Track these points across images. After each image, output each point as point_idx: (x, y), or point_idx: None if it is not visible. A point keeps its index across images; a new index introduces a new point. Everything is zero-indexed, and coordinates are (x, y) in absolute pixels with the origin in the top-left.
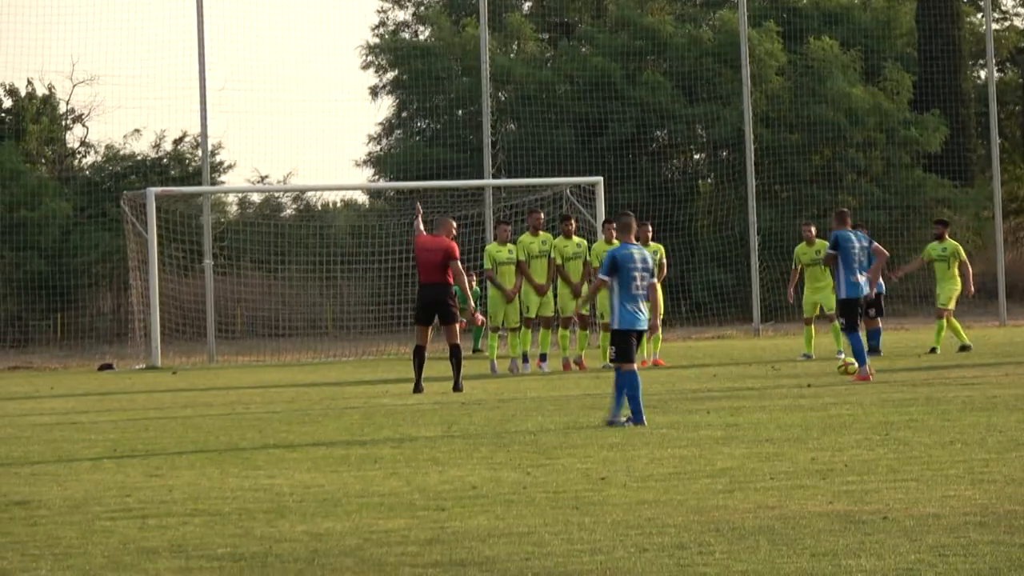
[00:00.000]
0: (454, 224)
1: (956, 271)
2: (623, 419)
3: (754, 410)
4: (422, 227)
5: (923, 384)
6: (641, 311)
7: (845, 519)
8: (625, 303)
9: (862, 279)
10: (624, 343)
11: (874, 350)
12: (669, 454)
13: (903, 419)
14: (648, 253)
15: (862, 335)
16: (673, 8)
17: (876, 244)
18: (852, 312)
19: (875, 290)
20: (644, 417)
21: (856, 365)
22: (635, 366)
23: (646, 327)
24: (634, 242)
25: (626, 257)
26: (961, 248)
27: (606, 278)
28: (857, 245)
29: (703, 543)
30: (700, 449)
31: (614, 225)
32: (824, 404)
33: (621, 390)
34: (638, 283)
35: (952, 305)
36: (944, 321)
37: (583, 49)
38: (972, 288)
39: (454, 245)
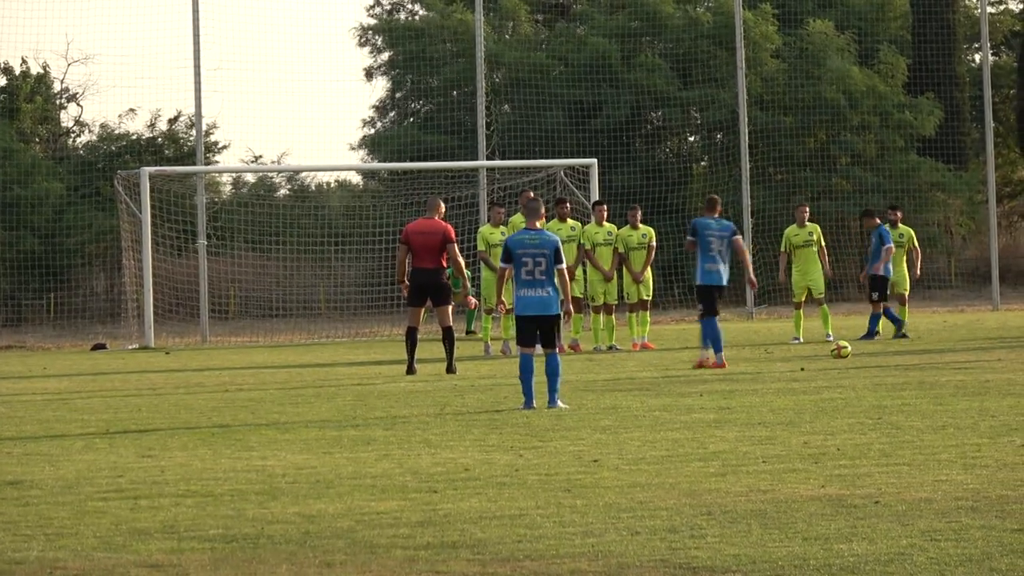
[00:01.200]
0: (442, 203)
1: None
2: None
3: (747, 393)
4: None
5: (915, 368)
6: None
7: (837, 503)
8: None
9: (720, 267)
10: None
11: (872, 334)
12: (662, 437)
13: (896, 403)
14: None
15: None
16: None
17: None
18: (707, 298)
19: (881, 273)
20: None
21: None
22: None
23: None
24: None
25: (518, 243)
26: (914, 234)
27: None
28: (716, 233)
29: (695, 526)
30: (692, 432)
31: (604, 207)
32: (817, 388)
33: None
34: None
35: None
36: (905, 307)
37: (579, 30)
38: (918, 273)
39: (450, 228)
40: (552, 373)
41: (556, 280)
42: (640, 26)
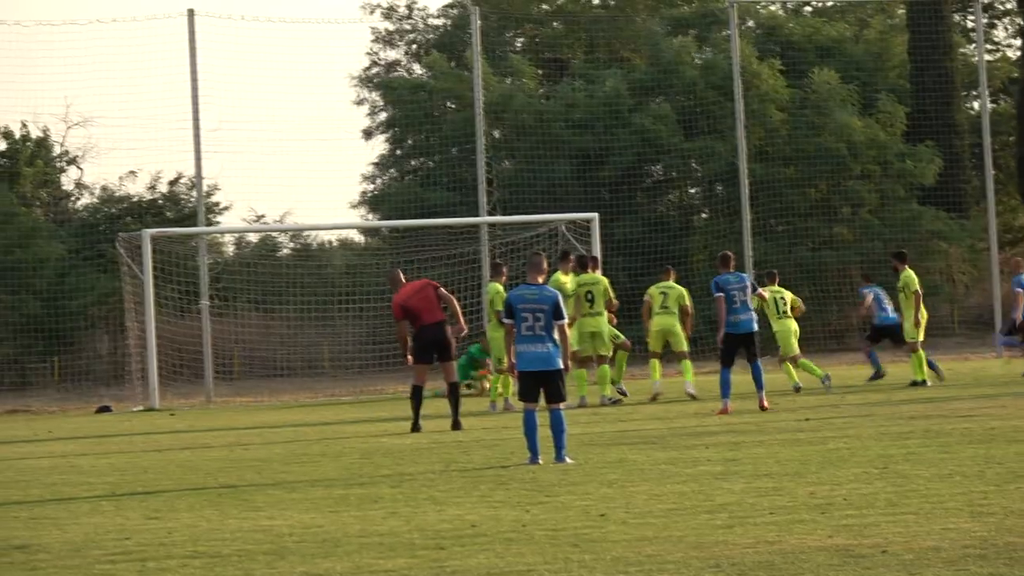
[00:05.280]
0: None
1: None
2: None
3: (752, 445)
4: (401, 279)
5: (921, 416)
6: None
7: (844, 553)
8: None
9: (746, 316)
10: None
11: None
12: (668, 490)
13: (902, 452)
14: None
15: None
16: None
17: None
18: (728, 346)
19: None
20: None
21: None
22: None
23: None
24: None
25: (519, 298)
26: (914, 279)
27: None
28: (736, 286)
29: None
30: (699, 484)
31: (571, 260)
32: (822, 438)
33: None
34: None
35: (921, 336)
36: (921, 352)
37: (576, 84)
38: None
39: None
40: (557, 429)
41: (556, 335)
42: (642, 79)
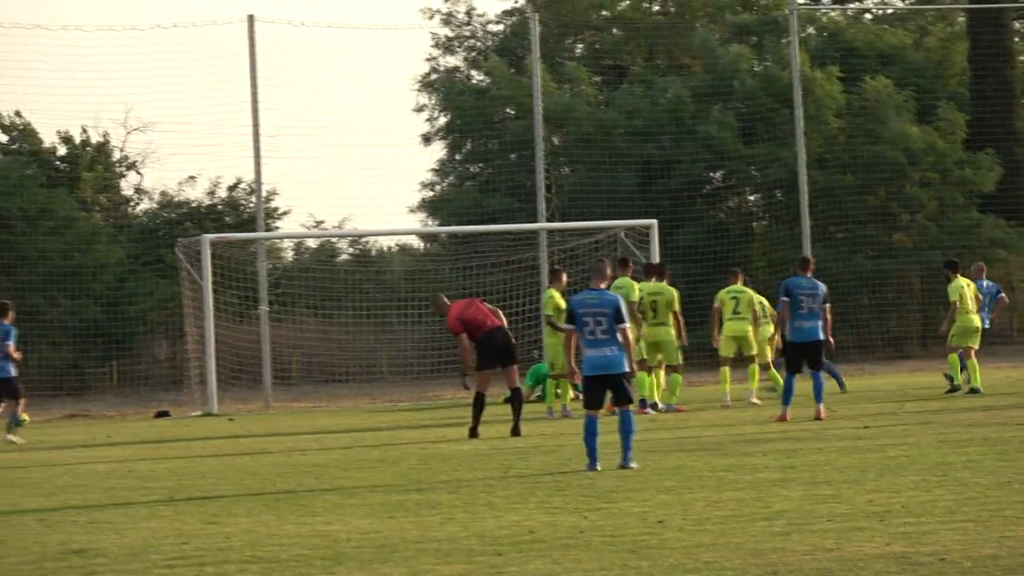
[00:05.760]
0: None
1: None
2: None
3: (811, 452)
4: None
5: (980, 424)
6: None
7: (903, 561)
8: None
9: (812, 323)
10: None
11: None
12: (726, 497)
13: (960, 460)
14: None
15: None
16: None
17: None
18: (792, 354)
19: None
20: None
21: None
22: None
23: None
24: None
25: (579, 303)
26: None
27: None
28: (807, 292)
29: None
30: (757, 491)
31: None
32: (881, 445)
33: None
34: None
35: (957, 343)
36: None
37: (637, 91)
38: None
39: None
40: (625, 431)
41: (620, 338)
42: (705, 85)
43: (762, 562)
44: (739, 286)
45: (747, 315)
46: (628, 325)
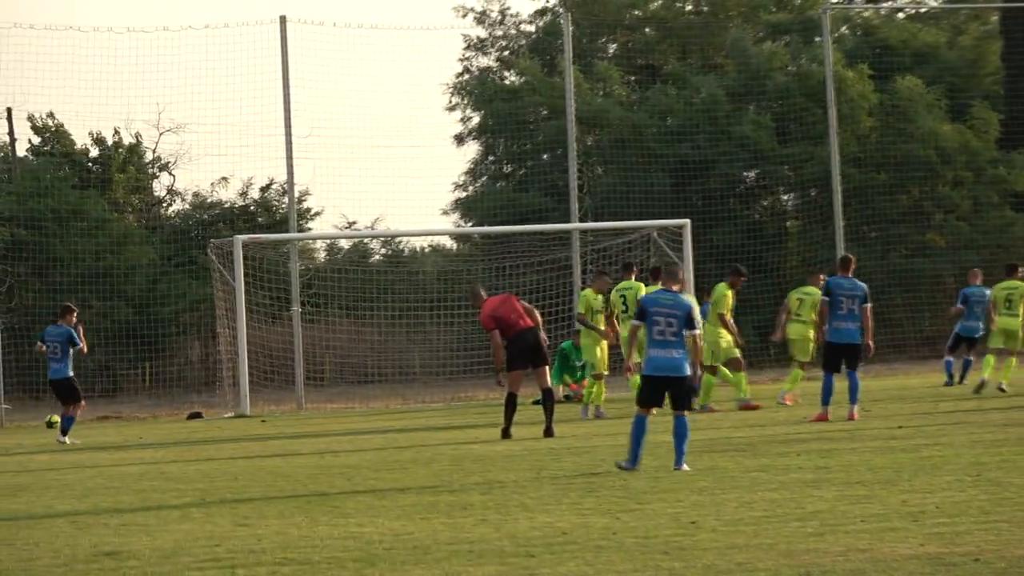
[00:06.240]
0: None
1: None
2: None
3: (844, 452)
4: (483, 294)
5: (1015, 424)
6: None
7: (936, 562)
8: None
9: (850, 325)
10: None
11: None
12: (759, 497)
13: (995, 460)
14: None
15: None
16: (766, 50)
17: None
18: (829, 354)
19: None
20: None
21: None
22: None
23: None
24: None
25: (652, 301)
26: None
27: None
28: (847, 292)
29: None
30: (790, 492)
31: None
32: (915, 445)
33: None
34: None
35: (993, 343)
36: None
37: (670, 91)
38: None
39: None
40: (681, 435)
41: (688, 344)
42: (738, 84)
43: (795, 563)
44: (809, 288)
45: (807, 318)
46: (699, 331)
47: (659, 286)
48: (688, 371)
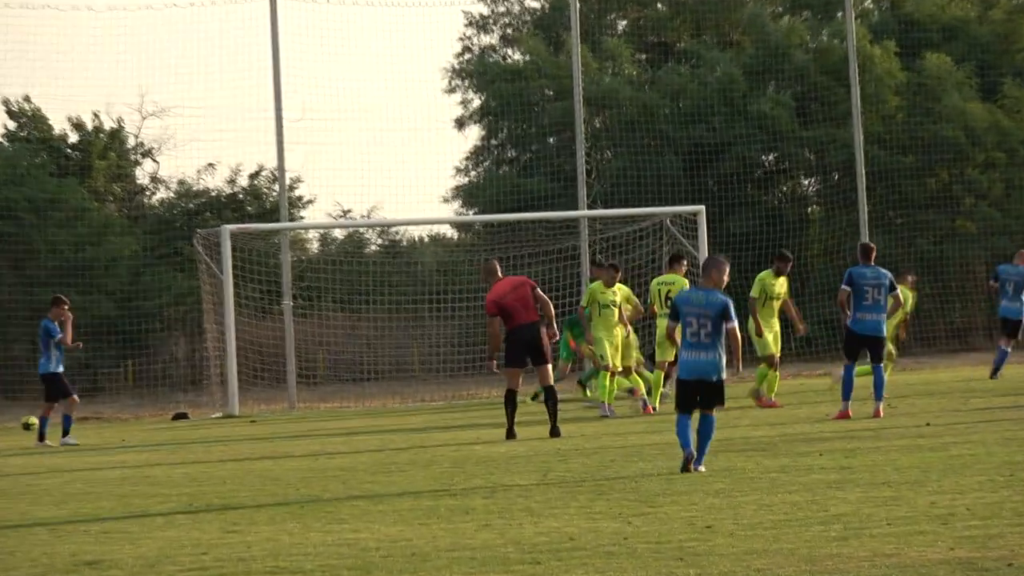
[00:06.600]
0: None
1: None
2: None
3: (869, 451)
4: (499, 272)
5: None
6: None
7: (967, 566)
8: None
9: (875, 316)
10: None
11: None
12: (779, 500)
13: None
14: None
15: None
16: (785, 26)
17: None
18: (850, 344)
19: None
20: None
21: None
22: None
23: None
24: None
25: (685, 300)
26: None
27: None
28: (872, 282)
29: None
30: (812, 494)
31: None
32: (944, 444)
33: None
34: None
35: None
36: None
37: (683, 70)
38: None
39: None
40: (705, 435)
41: (727, 339)
42: (755, 62)
43: (818, 569)
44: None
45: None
46: (735, 324)
47: (676, 275)
48: (723, 375)
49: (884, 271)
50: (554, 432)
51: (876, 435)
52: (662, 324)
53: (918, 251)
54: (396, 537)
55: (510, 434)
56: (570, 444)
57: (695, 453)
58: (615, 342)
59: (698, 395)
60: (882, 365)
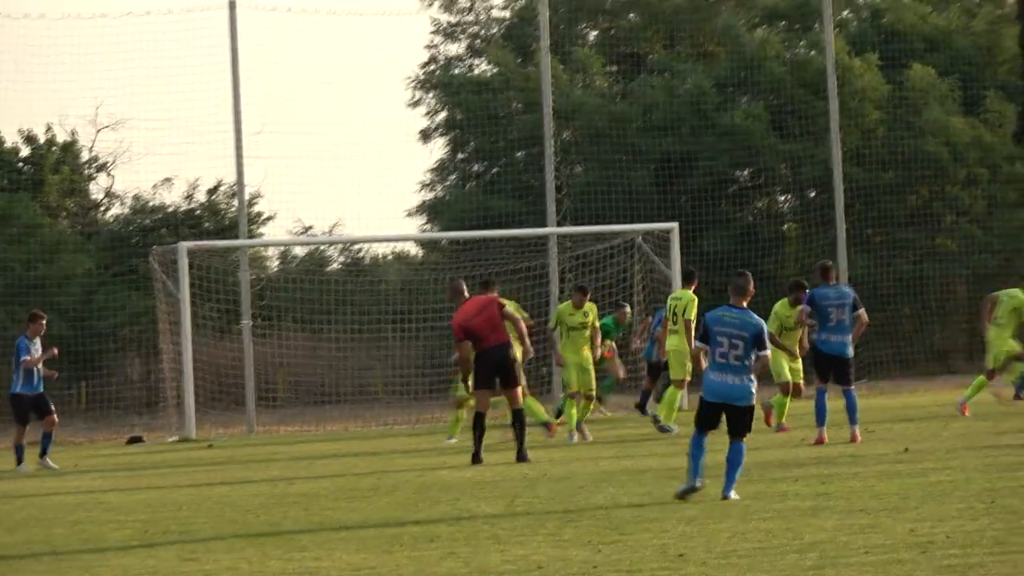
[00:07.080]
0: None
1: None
2: None
3: (846, 477)
4: (464, 292)
5: None
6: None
7: None
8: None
9: (840, 337)
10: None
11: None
12: (753, 527)
13: (1010, 485)
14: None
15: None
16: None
17: None
18: (819, 366)
19: None
20: None
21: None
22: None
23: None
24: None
25: (716, 319)
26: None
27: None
28: (835, 302)
29: None
30: (787, 521)
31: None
32: (923, 470)
33: None
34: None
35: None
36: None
37: (655, 82)
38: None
39: (496, 297)
40: (735, 462)
41: (757, 365)
42: (729, 73)
43: None
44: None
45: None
46: (768, 352)
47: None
48: (752, 400)
49: (847, 289)
50: (521, 457)
51: (853, 460)
52: (673, 340)
53: (897, 271)
54: (359, 565)
55: (476, 459)
56: (538, 470)
57: (698, 487)
58: (584, 365)
59: (720, 418)
60: (852, 389)
